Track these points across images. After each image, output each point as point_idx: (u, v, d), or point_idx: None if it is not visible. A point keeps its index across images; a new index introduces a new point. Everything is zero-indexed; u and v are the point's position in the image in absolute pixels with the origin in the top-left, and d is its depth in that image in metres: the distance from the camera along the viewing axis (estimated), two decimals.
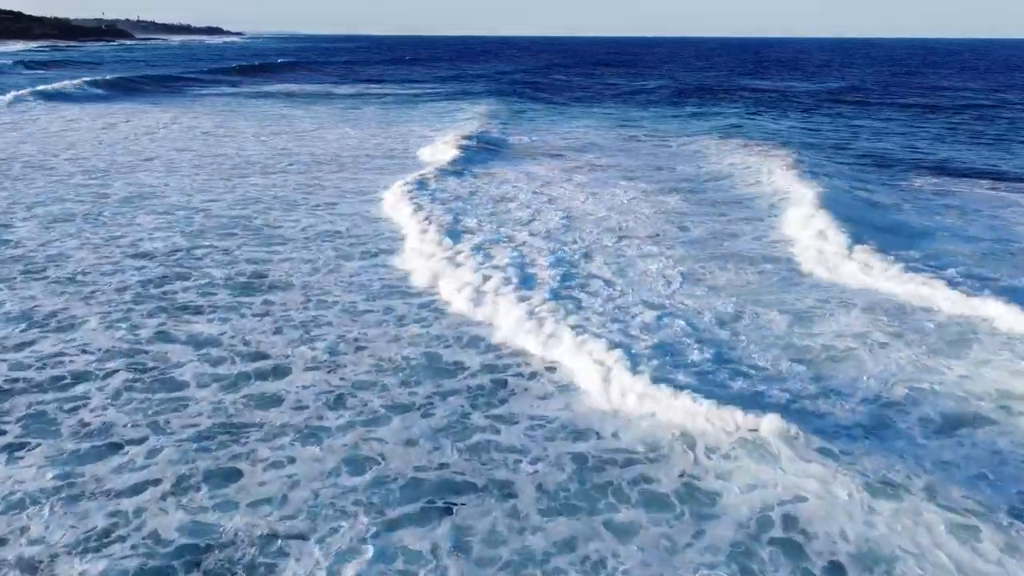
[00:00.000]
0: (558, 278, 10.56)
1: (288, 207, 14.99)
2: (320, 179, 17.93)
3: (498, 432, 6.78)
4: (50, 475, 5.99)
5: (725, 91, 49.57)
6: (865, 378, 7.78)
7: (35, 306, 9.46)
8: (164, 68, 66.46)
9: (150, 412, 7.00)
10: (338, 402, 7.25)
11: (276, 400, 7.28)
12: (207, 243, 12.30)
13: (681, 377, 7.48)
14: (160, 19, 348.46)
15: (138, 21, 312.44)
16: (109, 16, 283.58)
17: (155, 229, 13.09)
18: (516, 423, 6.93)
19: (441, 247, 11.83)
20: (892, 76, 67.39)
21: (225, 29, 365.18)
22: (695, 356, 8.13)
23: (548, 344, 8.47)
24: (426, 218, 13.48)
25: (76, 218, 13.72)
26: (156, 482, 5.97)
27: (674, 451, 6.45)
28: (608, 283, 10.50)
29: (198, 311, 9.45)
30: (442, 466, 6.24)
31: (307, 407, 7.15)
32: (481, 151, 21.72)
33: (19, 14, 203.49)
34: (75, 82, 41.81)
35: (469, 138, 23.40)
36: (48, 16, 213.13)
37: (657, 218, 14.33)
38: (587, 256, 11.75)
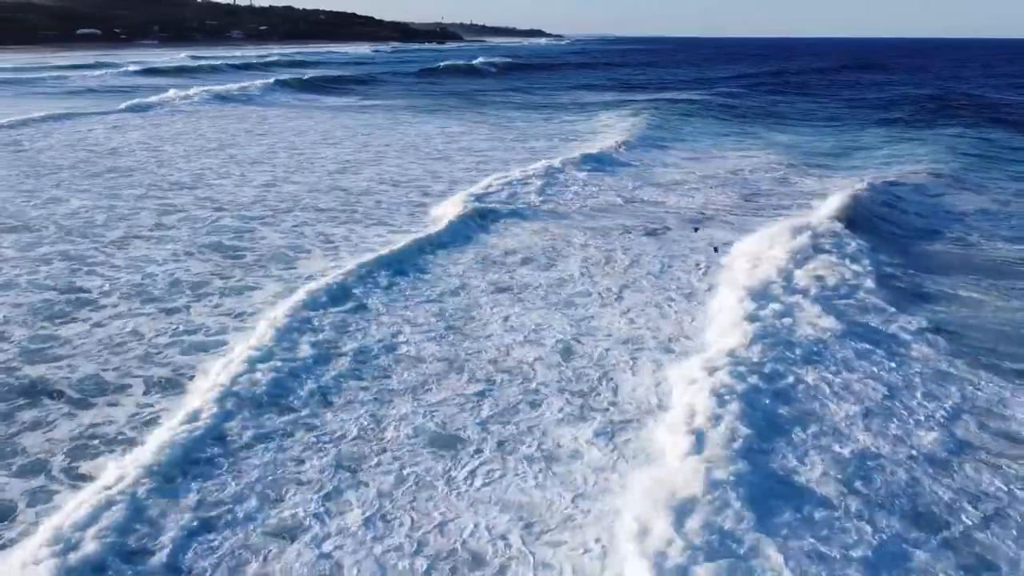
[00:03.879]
0: None
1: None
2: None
3: None
4: None
5: None
6: None
7: None
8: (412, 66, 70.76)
9: None
10: None
11: None
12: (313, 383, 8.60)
13: None
14: (489, 23, 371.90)
15: (470, 24, 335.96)
16: (445, 20, 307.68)
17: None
18: None
19: None
20: None
21: (546, 32, 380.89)
22: None
23: None
24: None
25: (179, 291, 10.72)
26: None
27: None
28: None
29: None
30: None
31: None
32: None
33: (369, 19, 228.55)
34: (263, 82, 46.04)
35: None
36: (394, 21, 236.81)
37: None
38: None
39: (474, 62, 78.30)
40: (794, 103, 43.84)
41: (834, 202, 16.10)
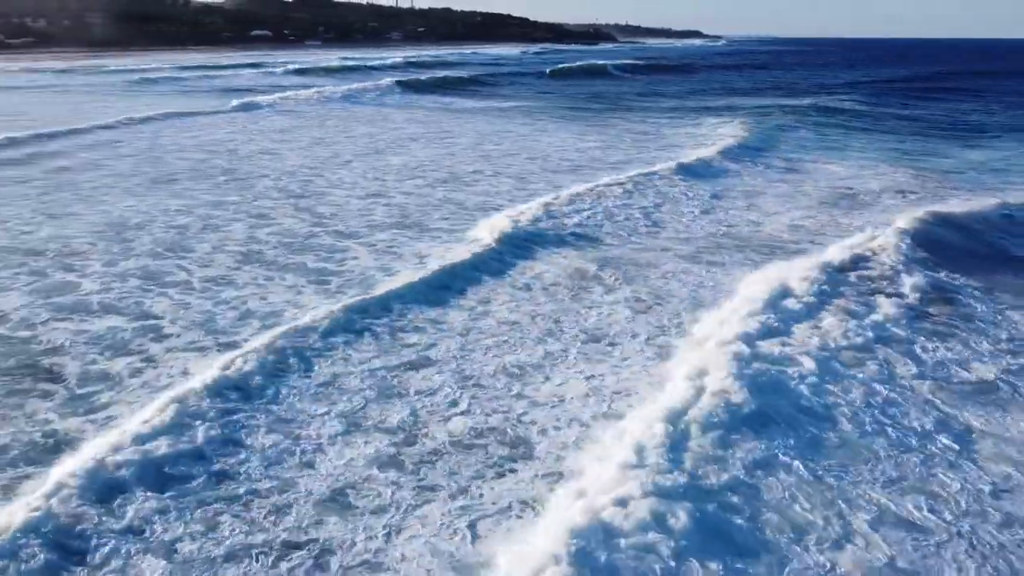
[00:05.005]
0: None
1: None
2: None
3: None
4: None
5: None
6: None
7: None
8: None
9: None
10: None
11: None
12: None
13: None
14: (645, 24, 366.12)
15: (625, 25, 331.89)
16: (600, 21, 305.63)
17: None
18: None
19: None
20: None
21: (703, 32, 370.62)
22: None
23: None
24: None
25: (246, 323, 9.91)
26: None
27: None
28: None
29: None
30: None
31: None
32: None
33: (524, 20, 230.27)
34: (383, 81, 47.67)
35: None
36: (547, 22, 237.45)
37: None
38: None
39: (617, 63, 76.48)
40: (974, 111, 39.10)
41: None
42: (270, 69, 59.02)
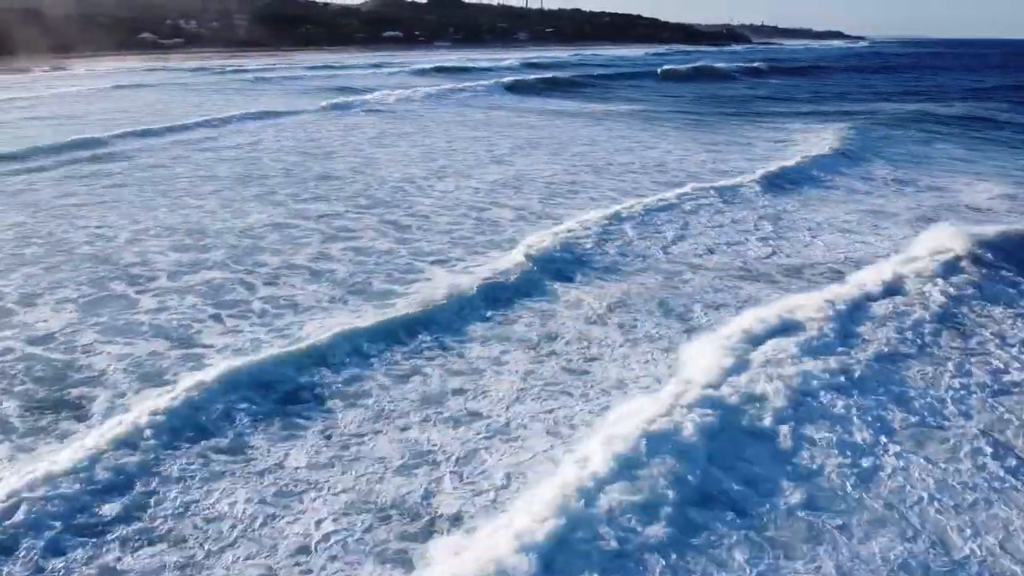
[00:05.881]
0: None
1: None
2: None
3: None
4: None
5: None
6: None
7: None
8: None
9: None
10: None
11: None
12: None
13: None
14: (783, 24, 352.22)
15: (760, 26, 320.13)
16: (734, 22, 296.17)
17: None
18: None
19: None
20: None
21: (845, 33, 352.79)
22: None
23: None
24: None
25: None
26: None
27: None
28: None
29: None
30: None
31: None
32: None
33: (654, 20, 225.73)
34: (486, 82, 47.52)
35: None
36: (679, 23, 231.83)
37: None
38: None
39: (745, 65, 73.27)
40: None
41: None
42: (390, 69, 59.59)
